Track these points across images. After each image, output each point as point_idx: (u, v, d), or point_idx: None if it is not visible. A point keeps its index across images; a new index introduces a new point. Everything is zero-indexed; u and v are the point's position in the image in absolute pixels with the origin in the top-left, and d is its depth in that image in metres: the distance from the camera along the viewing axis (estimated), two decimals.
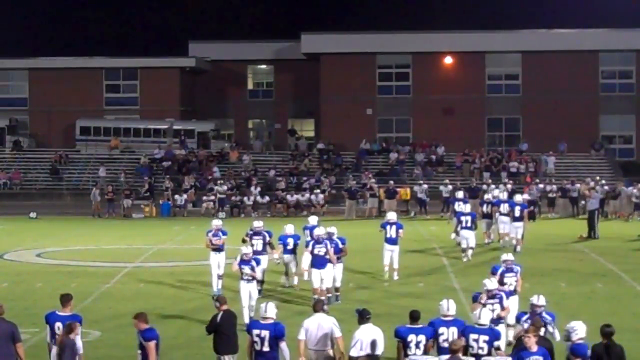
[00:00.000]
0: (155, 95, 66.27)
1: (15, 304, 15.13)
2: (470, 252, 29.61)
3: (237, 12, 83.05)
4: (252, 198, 48.87)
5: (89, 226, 43.66)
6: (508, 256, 18.55)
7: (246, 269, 19.80)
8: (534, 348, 12.55)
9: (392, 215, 26.96)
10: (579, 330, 12.99)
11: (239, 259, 20.11)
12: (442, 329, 13.67)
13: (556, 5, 74.97)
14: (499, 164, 56.81)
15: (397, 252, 26.11)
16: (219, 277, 23.58)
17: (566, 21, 66.38)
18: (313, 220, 26.00)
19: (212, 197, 49.32)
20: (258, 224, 23.98)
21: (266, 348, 13.72)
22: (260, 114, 70.96)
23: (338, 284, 22.72)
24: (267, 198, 49.34)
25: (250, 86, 71.26)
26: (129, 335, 19.10)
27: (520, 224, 31.96)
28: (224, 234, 24.05)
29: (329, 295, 22.27)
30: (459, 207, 31.47)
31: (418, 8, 78.60)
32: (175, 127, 63.41)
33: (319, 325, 14.23)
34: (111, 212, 48.36)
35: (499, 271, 18.17)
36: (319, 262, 21.86)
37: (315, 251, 21.98)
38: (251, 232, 23.87)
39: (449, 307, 13.82)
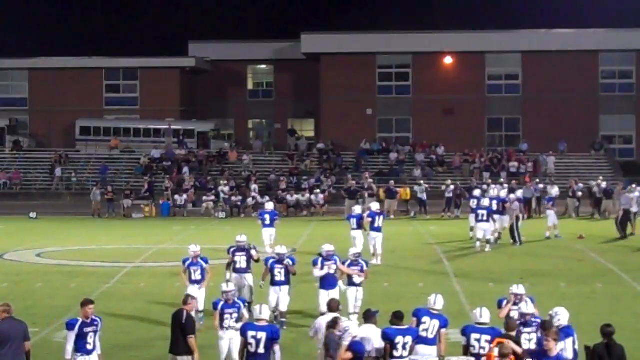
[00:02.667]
0: (155, 95, 66.28)
1: (15, 304, 15.10)
2: (488, 246, 31.67)
3: (237, 12, 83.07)
4: (252, 198, 48.82)
5: (89, 226, 43.64)
6: (519, 289, 15.43)
7: (230, 321, 15.86)
8: (554, 352, 12.43)
9: (376, 206, 30.18)
10: (562, 317, 13.41)
11: (220, 307, 16.01)
12: (425, 318, 14.03)
13: (556, 5, 74.99)
14: (499, 164, 56.82)
15: (380, 239, 29.00)
16: (198, 312, 19.41)
17: (566, 21, 66.37)
18: (269, 205, 31.63)
19: (212, 197, 49.31)
20: (241, 238, 21.24)
21: (261, 350, 13.60)
22: (260, 114, 70.96)
23: (284, 309, 19.69)
24: (267, 198, 49.32)
25: (250, 86, 71.26)
26: (129, 335, 19.14)
27: (496, 216, 33.36)
28: (205, 261, 20.35)
29: (282, 320, 19.54)
30: (474, 203, 34.28)
31: (418, 8, 78.63)
32: (175, 127, 63.42)
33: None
34: (111, 212, 48.37)
35: (504, 304, 15.40)
36: (328, 282, 19.45)
37: (325, 269, 19.66)
38: (234, 248, 21.12)
39: (436, 301, 14.31)
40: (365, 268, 19.87)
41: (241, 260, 20.84)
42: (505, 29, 64.66)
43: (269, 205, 32.90)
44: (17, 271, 28.54)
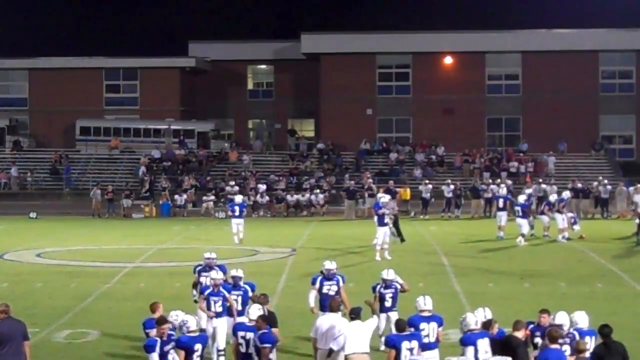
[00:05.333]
0: (155, 95, 66.27)
1: (15, 304, 15.13)
2: (520, 238, 33.37)
3: (237, 12, 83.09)
4: (252, 198, 48.82)
5: (89, 226, 43.64)
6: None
7: None
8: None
9: (386, 199, 31.67)
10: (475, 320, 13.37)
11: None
12: (422, 325, 13.85)
13: (556, 5, 74.99)
14: (499, 164, 56.81)
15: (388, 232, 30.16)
16: (219, 353, 16.53)
17: (566, 21, 66.38)
18: (238, 198, 35.32)
19: (212, 197, 49.33)
20: (210, 255, 18.49)
21: (251, 350, 13.61)
22: (260, 114, 70.96)
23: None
24: (267, 198, 49.34)
25: (250, 86, 71.24)
26: (129, 335, 19.11)
27: (503, 213, 35.55)
28: (228, 290, 16.82)
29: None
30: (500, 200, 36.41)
31: (418, 8, 78.64)
32: (175, 127, 63.42)
33: (330, 325, 14.24)
34: (111, 212, 48.37)
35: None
36: (326, 305, 16.39)
37: (324, 289, 17.16)
38: (200, 267, 18.46)
39: (425, 302, 14.12)
40: (399, 289, 17.43)
41: (207, 281, 17.78)
42: (505, 29, 64.62)
43: (238, 198, 36.08)
44: (17, 271, 28.53)
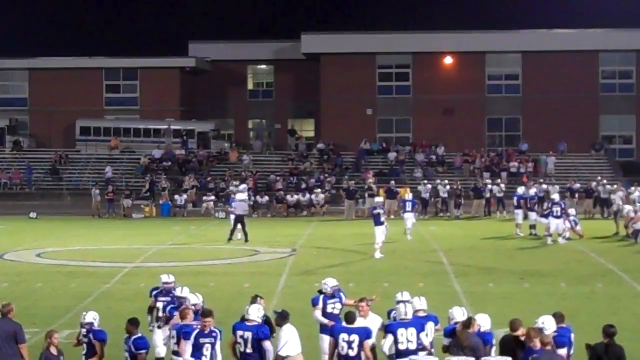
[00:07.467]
0: (155, 95, 66.26)
1: (15, 304, 15.18)
2: (560, 239, 34.02)
3: (237, 12, 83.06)
4: (252, 197, 48.83)
5: (89, 226, 43.64)
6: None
7: None
8: (538, 346, 12.53)
9: (380, 199, 33.89)
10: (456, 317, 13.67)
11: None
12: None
13: (556, 5, 74.99)
14: (499, 164, 56.82)
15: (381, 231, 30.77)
16: None
17: (566, 21, 66.37)
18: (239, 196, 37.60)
19: (212, 197, 49.33)
20: (169, 279, 16.85)
21: (249, 350, 13.55)
22: (260, 114, 70.94)
23: None
24: (267, 198, 49.35)
25: (250, 86, 71.22)
26: None
27: (520, 211, 37.01)
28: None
29: None
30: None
31: (418, 8, 78.61)
32: (175, 127, 63.42)
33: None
34: (111, 212, 48.38)
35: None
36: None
37: (329, 309, 15.77)
38: (157, 291, 16.90)
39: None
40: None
41: (163, 307, 16.54)
42: (505, 29, 64.58)
43: (239, 196, 37.97)
44: (17, 271, 28.52)
